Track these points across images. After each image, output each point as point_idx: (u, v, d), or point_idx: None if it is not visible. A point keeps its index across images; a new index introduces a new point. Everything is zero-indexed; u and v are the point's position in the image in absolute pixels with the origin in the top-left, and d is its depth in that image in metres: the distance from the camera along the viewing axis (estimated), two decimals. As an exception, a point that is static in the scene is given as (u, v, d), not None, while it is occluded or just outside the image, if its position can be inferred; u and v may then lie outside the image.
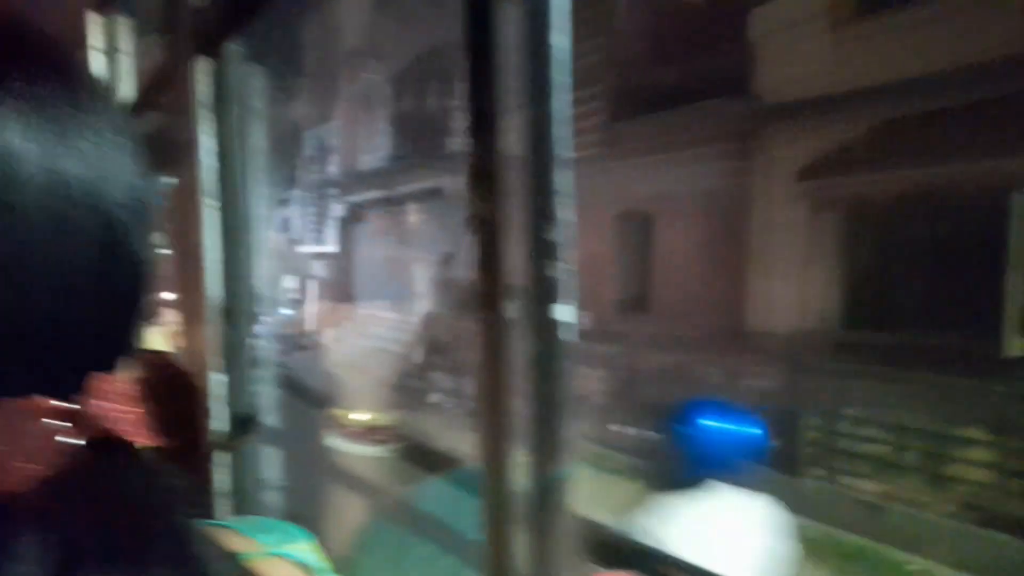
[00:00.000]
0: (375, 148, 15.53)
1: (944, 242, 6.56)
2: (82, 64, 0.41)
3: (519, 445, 0.68)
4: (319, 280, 15.99)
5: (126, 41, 2.76)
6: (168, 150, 2.14)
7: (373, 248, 14.74)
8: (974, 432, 6.08)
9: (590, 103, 10.07)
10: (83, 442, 0.37)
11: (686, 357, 8.33)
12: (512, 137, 0.62)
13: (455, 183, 11.35)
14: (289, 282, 15.91)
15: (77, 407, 0.37)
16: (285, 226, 18.09)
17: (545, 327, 0.63)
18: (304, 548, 0.62)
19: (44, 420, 0.36)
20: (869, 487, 6.66)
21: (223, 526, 0.60)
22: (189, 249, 1.83)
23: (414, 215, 14.19)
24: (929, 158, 6.29)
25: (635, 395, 8.92)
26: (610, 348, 9.39)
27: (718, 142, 8.29)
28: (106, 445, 0.36)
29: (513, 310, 0.65)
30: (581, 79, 8.99)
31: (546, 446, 0.64)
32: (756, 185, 8.03)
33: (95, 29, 2.52)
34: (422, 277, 13.53)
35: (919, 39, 6.39)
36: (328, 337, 12.84)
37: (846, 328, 7.30)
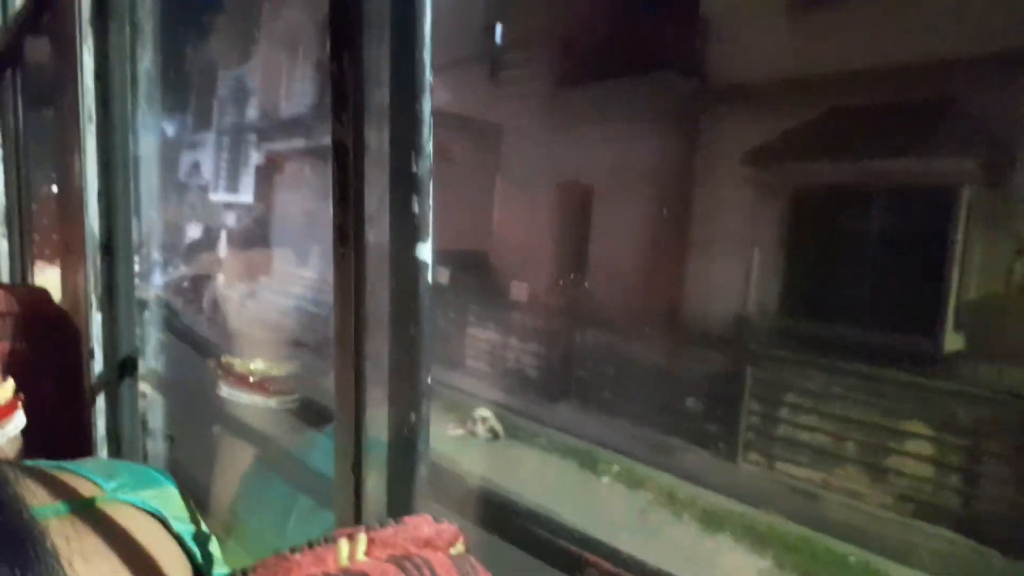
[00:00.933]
0: (297, 94, 15.19)
1: (888, 236, 6.81)
2: None
3: (377, 389, 0.70)
4: (231, 231, 15.63)
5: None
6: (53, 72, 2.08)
7: (292, 201, 14.46)
8: (913, 426, 6.34)
9: (529, 66, 9.98)
10: None
11: (621, 335, 8.44)
12: (376, 57, 0.62)
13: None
14: (196, 230, 15.53)
15: None
16: (195, 170, 17.54)
17: (407, 266, 0.62)
18: (159, 495, 0.61)
19: None
20: (808, 475, 6.88)
21: (63, 468, 0.59)
22: (69, 179, 1.80)
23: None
24: (876, 151, 6.55)
25: (567, 371, 9.02)
26: (544, 322, 9.45)
27: (664, 118, 8.36)
28: None
29: (372, 247, 0.66)
30: (521, 41, 8.94)
31: (404, 391, 0.65)
32: (700, 166, 8.15)
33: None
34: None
35: (873, 31, 6.62)
36: (239, 291, 12.64)
37: (787, 317, 7.50)
